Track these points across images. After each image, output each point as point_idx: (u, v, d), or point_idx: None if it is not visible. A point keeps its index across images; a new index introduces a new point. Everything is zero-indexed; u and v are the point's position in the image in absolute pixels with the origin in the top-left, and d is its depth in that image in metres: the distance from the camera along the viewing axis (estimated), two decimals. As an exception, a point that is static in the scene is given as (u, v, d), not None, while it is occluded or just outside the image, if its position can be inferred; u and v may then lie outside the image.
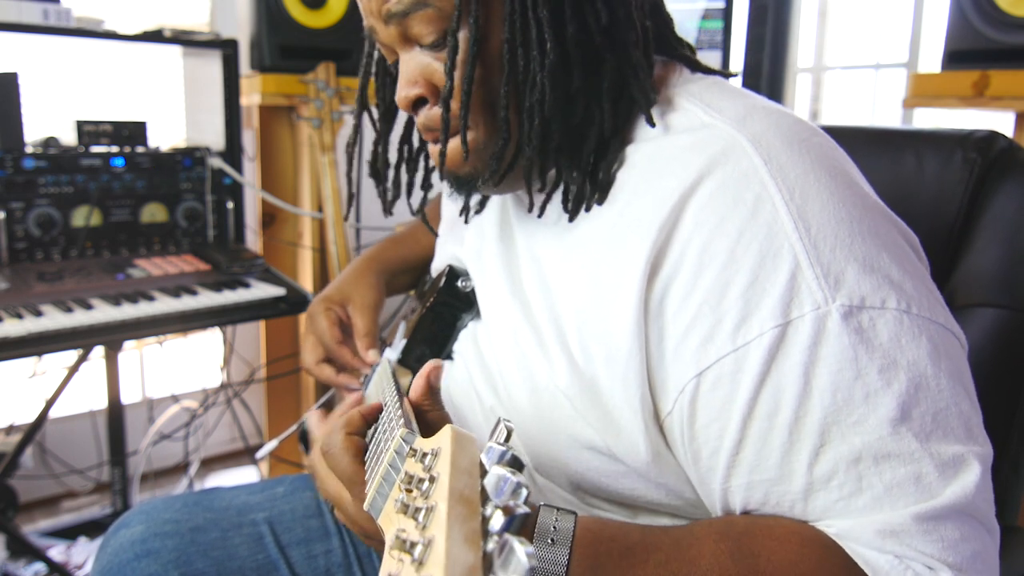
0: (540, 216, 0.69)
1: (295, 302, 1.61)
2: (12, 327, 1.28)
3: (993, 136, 0.87)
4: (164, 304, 1.45)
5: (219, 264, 1.64)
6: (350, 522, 0.62)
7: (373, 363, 0.88)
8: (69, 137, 1.60)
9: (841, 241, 0.56)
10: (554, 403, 0.64)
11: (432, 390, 0.61)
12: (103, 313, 1.37)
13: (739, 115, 0.62)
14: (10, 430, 1.96)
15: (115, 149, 1.60)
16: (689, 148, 0.61)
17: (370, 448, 0.57)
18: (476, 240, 0.80)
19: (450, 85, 0.63)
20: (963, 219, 0.87)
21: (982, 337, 0.83)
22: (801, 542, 0.55)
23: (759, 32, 2.70)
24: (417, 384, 0.60)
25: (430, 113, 0.67)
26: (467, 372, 0.77)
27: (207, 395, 2.23)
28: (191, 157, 1.69)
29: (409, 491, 0.40)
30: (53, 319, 1.33)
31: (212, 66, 1.78)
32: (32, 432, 1.76)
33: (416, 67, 0.65)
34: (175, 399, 2.21)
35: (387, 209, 0.81)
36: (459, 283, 0.80)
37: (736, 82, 0.77)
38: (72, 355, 1.74)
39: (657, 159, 0.63)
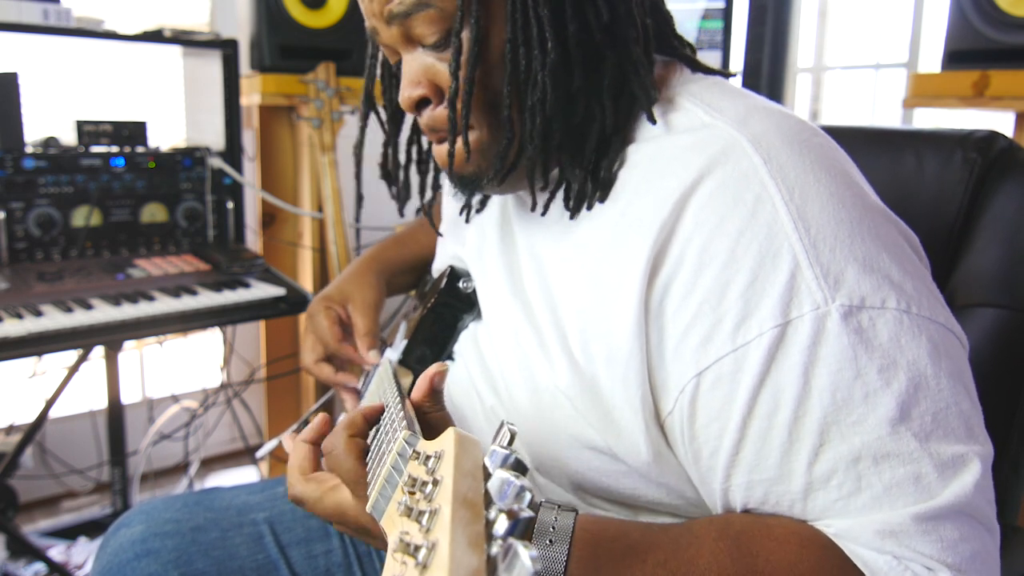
0: (544, 214, 0.69)
1: (295, 302, 1.61)
2: (12, 327, 1.28)
3: (993, 136, 0.87)
4: (164, 304, 1.45)
5: (219, 264, 1.64)
6: (354, 530, 0.61)
7: (374, 363, 0.88)
8: (69, 137, 1.59)
9: (841, 241, 0.56)
10: (555, 403, 0.64)
11: (434, 392, 0.61)
12: (103, 313, 1.37)
13: (739, 115, 0.62)
14: (10, 430, 1.96)
15: (115, 149, 1.60)
16: (690, 148, 0.61)
17: (372, 449, 0.57)
18: (477, 240, 0.80)
19: (456, 85, 0.63)
20: (963, 219, 0.87)
21: (982, 337, 0.83)
22: (800, 543, 0.55)
23: (759, 32, 2.69)
24: (420, 386, 0.60)
25: (434, 114, 0.67)
26: (468, 372, 0.77)
27: (207, 395, 2.22)
28: (191, 157, 1.69)
29: (412, 494, 0.40)
30: (53, 319, 1.33)
31: (212, 66, 1.78)
32: (32, 432, 1.76)
33: (419, 68, 0.65)
34: (175, 399, 2.21)
35: (401, 210, 0.81)
36: (460, 284, 0.80)
37: (736, 82, 0.77)
38: (72, 355, 1.74)
39: (658, 159, 0.63)
